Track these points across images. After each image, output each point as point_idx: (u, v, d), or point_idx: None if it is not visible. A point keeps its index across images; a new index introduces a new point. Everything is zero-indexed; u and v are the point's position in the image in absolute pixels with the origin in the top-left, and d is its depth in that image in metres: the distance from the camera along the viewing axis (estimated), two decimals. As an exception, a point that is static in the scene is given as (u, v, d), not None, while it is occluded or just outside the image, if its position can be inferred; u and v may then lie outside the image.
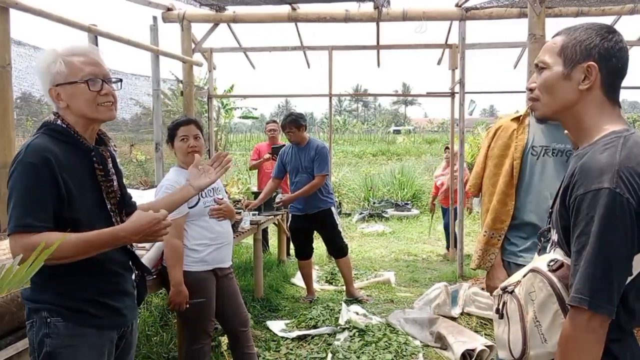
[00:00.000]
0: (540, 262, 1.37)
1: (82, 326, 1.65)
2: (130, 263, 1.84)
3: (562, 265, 1.31)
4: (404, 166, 13.17)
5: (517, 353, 1.39)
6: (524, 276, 1.41)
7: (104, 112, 1.70)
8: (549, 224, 1.50)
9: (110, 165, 1.75)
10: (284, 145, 6.12)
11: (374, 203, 10.80)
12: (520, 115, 2.39)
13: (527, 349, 1.35)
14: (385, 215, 10.17)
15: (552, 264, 1.32)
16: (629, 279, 1.21)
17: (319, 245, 7.67)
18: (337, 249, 5.03)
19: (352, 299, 4.95)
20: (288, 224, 5.08)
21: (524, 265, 2.26)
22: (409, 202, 10.88)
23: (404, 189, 11.45)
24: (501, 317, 1.48)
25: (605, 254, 1.17)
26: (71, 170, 1.61)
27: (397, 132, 41.68)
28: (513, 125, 2.39)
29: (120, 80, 1.78)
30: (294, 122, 4.89)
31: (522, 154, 2.31)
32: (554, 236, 1.39)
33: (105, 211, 1.73)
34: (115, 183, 1.76)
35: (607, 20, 5.91)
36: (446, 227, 7.00)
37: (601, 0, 4.75)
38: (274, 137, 6.43)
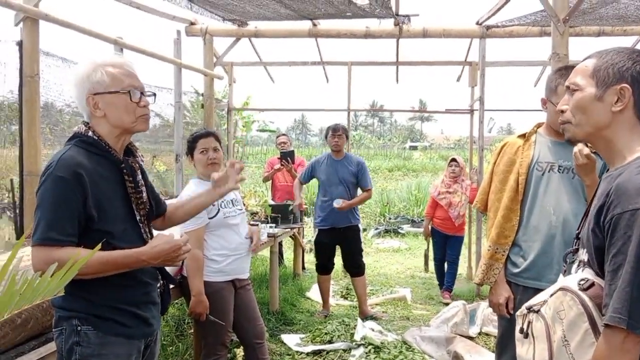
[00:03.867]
0: (569, 281, 1.36)
1: (112, 335, 1.67)
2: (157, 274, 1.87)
3: (592, 284, 1.30)
4: (420, 182, 13.12)
5: (542, 373, 1.37)
6: (551, 295, 1.40)
7: (141, 124, 1.74)
8: (576, 245, 1.49)
9: (140, 176, 1.79)
10: (292, 151, 6.17)
11: (390, 219, 10.76)
12: (527, 133, 2.42)
13: (553, 368, 1.34)
14: (401, 232, 10.12)
15: (582, 282, 1.31)
16: None
17: (336, 260, 7.68)
18: (357, 266, 4.99)
19: (367, 317, 4.91)
20: (313, 238, 5.02)
21: (525, 287, 2.29)
22: (424, 218, 10.80)
23: (420, 205, 11.40)
24: (526, 336, 1.47)
25: None
26: (102, 183, 1.64)
27: (414, 147, 41.60)
28: (519, 142, 2.42)
29: (155, 95, 1.83)
30: (346, 131, 4.98)
31: (528, 169, 2.33)
32: (583, 256, 1.38)
33: (135, 222, 1.76)
34: (144, 194, 1.79)
35: (629, 40, 5.88)
36: (440, 262, 5.85)
37: (624, 21, 4.72)
38: (284, 149, 6.45)
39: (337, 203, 4.70)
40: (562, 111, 1.46)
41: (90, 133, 1.69)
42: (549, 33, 5.27)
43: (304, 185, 5.78)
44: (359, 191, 4.98)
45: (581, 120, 1.39)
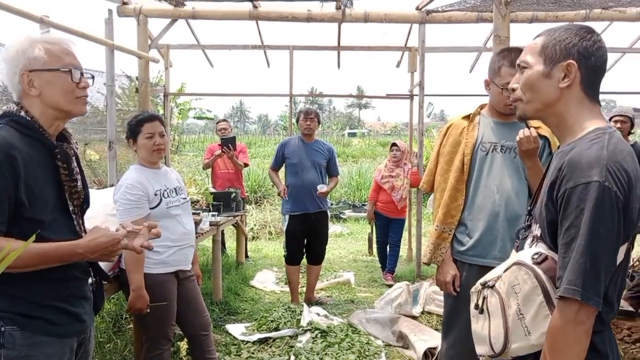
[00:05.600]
0: (523, 256, 1.38)
1: (41, 334, 1.53)
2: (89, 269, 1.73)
3: (546, 258, 1.32)
4: (360, 168, 13.28)
5: (498, 347, 1.39)
6: (505, 270, 1.41)
7: (79, 106, 1.62)
8: (528, 221, 1.52)
9: (74, 164, 1.65)
10: (233, 138, 6.00)
11: (332, 204, 10.82)
12: (471, 114, 2.47)
13: (508, 342, 1.36)
14: (343, 217, 10.20)
15: (536, 257, 1.34)
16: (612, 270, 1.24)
17: (277, 247, 7.63)
18: (320, 255, 4.91)
19: (313, 303, 4.90)
20: (285, 227, 4.82)
21: (470, 264, 2.35)
22: (366, 203, 10.96)
23: (360, 189, 11.55)
24: (481, 312, 1.48)
25: (595, 246, 1.19)
26: (33, 168, 1.50)
27: (353, 134, 42.08)
28: (463, 123, 2.47)
29: (93, 77, 1.69)
30: (318, 115, 4.87)
31: (472, 150, 2.39)
32: (536, 231, 1.40)
33: (67, 212, 1.63)
34: (79, 183, 1.65)
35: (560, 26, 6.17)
36: (383, 245, 5.94)
37: (559, 5, 4.92)
38: (225, 135, 6.28)
39: (322, 188, 4.59)
40: (514, 89, 1.47)
41: (22, 113, 1.53)
42: (486, 19, 5.46)
43: (244, 171, 5.63)
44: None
45: (531, 97, 1.41)
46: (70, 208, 1.63)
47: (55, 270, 1.52)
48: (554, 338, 1.23)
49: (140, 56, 5.53)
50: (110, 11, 4.95)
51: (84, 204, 1.71)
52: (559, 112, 1.37)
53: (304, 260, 4.93)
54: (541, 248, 1.37)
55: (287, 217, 4.77)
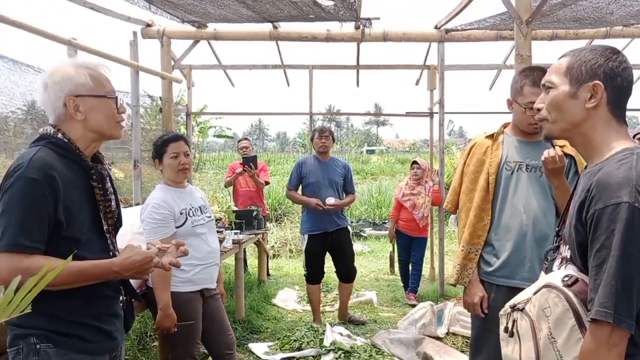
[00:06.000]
0: (553, 278, 1.36)
1: (74, 352, 1.56)
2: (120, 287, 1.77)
3: (577, 280, 1.31)
4: (380, 185, 13.26)
5: (530, 371, 1.37)
6: (535, 293, 1.40)
7: (118, 130, 1.70)
8: (557, 242, 1.50)
9: (109, 184, 1.70)
10: (255, 157, 6.05)
11: (352, 222, 10.80)
12: (494, 133, 2.47)
13: (540, 366, 1.34)
14: (364, 235, 10.16)
15: (566, 279, 1.32)
16: None
17: (297, 265, 7.63)
18: (350, 271, 4.87)
19: (344, 322, 4.87)
20: (304, 247, 4.81)
21: (498, 285, 2.32)
22: (386, 220, 10.91)
23: (381, 207, 11.50)
24: (511, 335, 1.47)
25: (627, 268, 1.18)
26: (71, 189, 1.55)
27: (371, 152, 42.13)
28: (487, 143, 2.46)
29: (129, 105, 1.79)
30: (332, 133, 4.87)
31: (497, 169, 2.37)
32: (566, 253, 1.39)
33: (101, 232, 1.67)
34: (113, 203, 1.70)
35: (581, 43, 6.14)
36: (405, 264, 5.85)
37: (580, 23, 4.91)
38: (246, 154, 6.34)
39: (330, 200, 4.58)
40: (539, 109, 1.48)
41: (60, 135, 1.59)
42: (505, 37, 5.47)
43: (265, 189, 5.67)
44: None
45: (557, 117, 1.41)
46: (105, 227, 1.68)
47: (88, 288, 1.55)
48: None
49: (164, 77, 5.65)
50: (134, 33, 5.09)
51: (117, 223, 1.76)
52: (586, 133, 1.37)
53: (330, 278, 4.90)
54: (571, 270, 1.35)
55: (306, 236, 4.77)
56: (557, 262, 1.46)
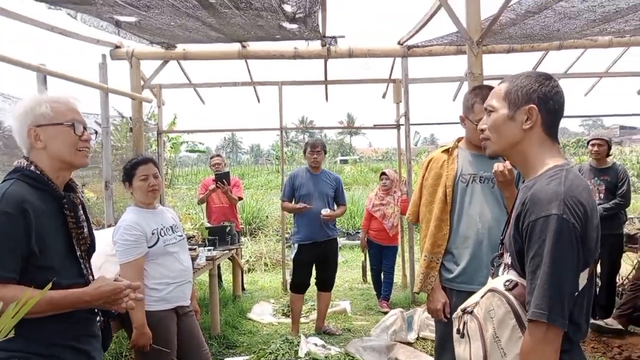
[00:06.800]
0: (497, 283, 1.50)
1: None
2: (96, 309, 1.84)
3: (516, 284, 1.45)
4: (353, 195, 13.40)
5: (479, 369, 1.50)
6: (482, 297, 1.54)
7: (81, 158, 1.76)
8: (501, 249, 1.65)
9: (81, 212, 1.78)
10: (227, 173, 6.14)
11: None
12: (449, 148, 2.62)
13: (488, 364, 1.47)
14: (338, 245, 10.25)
15: (507, 283, 1.46)
16: (575, 294, 1.36)
17: (273, 278, 7.69)
18: (330, 281, 5.02)
19: (319, 332, 4.97)
20: (292, 255, 4.92)
21: (458, 290, 2.47)
22: (359, 230, 11.04)
23: (354, 217, 11.63)
24: (462, 336, 1.60)
25: (557, 273, 1.31)
26: (43, 218, 1.62)
27: (344, 161, 42.39)
28: (443, 157, 2.62)
29: (96, 132, 1.84)
30: (324, 147, 4.99)
31: (453, 182, 2.53)
32: (507, 259, 1.53)
33: (75, 257, 1.75)
34: (85, 230, 1.78)
35: (536, 55, 6.43)
36: (377, 272, 6.00)
37: (530, 39, 5.17)
38: (219, 170, 6.41)
39: (325, 211, 4.73)
40: (482, 130, 1.63)
41: (32, 167, 1.68)
42: (464, 51, 5.69)
43: (239, 204, 5.73)
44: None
45: (497, 138, 1.56)
46: (78, 253, 1.76)
47: (65, 312, 1.63)
48: (526, 357, 1.35)
49: (134, 97, 5.70)
50: (103, 56, 5.15)
51: (90, 248, 1.84)
52: (523, 151, 1.52)
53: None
54: (512, 275, 1.49)
55: (296, 245, 4.89)
56: (501, 268, 1.60)
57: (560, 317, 1.31)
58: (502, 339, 1.43)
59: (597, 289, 5.02)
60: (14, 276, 1.54)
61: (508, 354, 1.42)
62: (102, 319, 1.87)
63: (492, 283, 1.55)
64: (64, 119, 1.72)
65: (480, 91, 2.46)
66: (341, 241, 10.43)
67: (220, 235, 5.45)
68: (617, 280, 5.20)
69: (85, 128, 1.76)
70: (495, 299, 1.47)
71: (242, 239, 8.53)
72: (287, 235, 7.26)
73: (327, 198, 4.86)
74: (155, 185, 2.87)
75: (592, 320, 4.53)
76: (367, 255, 6.14)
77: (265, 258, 8.85)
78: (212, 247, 4.98)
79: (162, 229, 2.87)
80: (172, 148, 16.20)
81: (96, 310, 1.83)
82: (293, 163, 29.47)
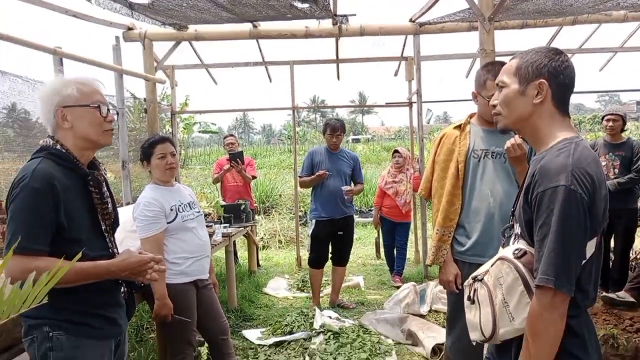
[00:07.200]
0: (506, 252, 1.56)
1: (84, 338, 1.75)
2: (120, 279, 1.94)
3: (525, 253, 1.50)
4: (365, 174, 13.45)
5: (487, 333, 1.57)
6: (492, 265, 1.60)
7: (106, 137, 1.85)
8: (511, 220, 1.71)
9: (105, 188, 1.86)
10: (241, 152, 6.22)
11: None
12: (462, 124, 2.66)
13: (497, 328, 1.54)
14: (351, 223, 10.35)
15: (517, 252, 1.52)
16: (582, 262, 1.42)
17: (287, 255, 7.82)
18: (346, 256, 5.15)
19: (333, 306, 5.09)
20: (310, 231, 5.03)
21: (470, 263, 2.53)
22: (372, 208, 11.11)
23: (367, 195, 11.70)
24: (472, 303, 1.66)
25: (564, 241, 1.36)
26: (70, 195, 1.71)
27: (357, 140, 42.28)
28: (455, 133, 2.66)
29: (118, 113, 1.92)
30: (344, 129, 5.05)
31: (465, 157, 2.57)
32: (517, 229, 1.59)
33: (100, 232, 1.84)
34: (109, 205, 1.87)
35: (550, 30, 6.36)
36: (390, 248, 6.11)
37: (543, 14, 5.12)
38: (232, 150, 6.49)
39: (345, 187, 4.83)
40: (494, 105, 1.67)
41: (58, 146, 1.76)
42: (477, 28, 5.65)
43: (252, 183, 5.81)
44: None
45: (508, 113, 1.60)
46: (103, 227, 1.86)
47: (92, 282, 1.73)
48: (533, 322, 1.41)
49: (148, 78, 5.77)
50: (117, 38, 5.20)
51: (114, 223, 1.94)
52: (533, 125, 1.56)
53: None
54: (521, 244, 1.55)
55: (313, 221, 4.99)
56: (512, 239, 1.66)
57: (567, 284, 1.36)
58: (511, 304, 1.49)
59: (611, 263, 5.06)
60: (46, 248, 1.64)
61: (516, 318, 1.48)
62: (126, 289, 1.97)
63: (502, 252, 1.61)
64: (90, 100, 1.79)
65: (493, 67, 2.48)
66: (354, 219, 10.53)
67: (235, 213, 5.56)
68: (631, 255, 5.22)
69: (109, 109, 1.84)
70: (504, 266, 1.53)
71: (256, 217, 8.67)
72: (300, 214, 7.36)
73: (345, 176, 4.93)
74: (172, 163, 2.95)
75: (604, 293, 4.59)
76: (380, 232, 6.21)
77: (279, 235, 8.98)
78: (227, 225, 5.09)
79: (180, 206, 2.97)
80: (184, 129, 16.34)
81: (120, 282, 1.94)
82: (305, 142, 29.49)
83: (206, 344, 3.51)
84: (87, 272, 1.68)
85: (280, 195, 11.83)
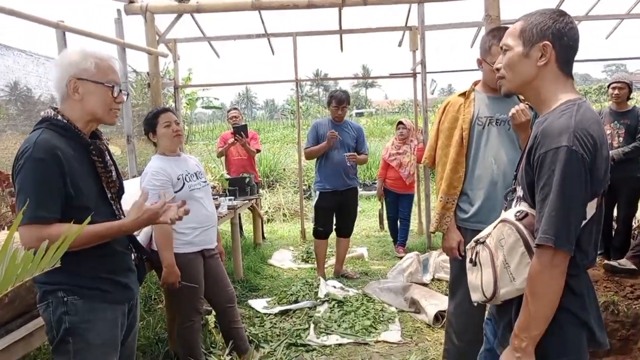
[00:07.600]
0: (508, 214, 1.59)
1: (97, 302, 1.80)
2: (130, 246, 2.00)
3: (527, 215, 1.52)
4: (369, 147, 13.45)
5: (489, 293, 1.60)
6: (494, 228, 1.62)
7: (112, 117, 1.87)
8: (514, 184, 1.72)
9: (108, 157, 1.90)
10: (245, 126, 6.23)
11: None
12: (466, 91, 2.65)
13: (497, 288, 1.57)
14: (354, 196, 10.41)
15: (518, 214, 1.54)
16: (583, 222, 1.43)
17: (291, 227, 7.90)
18: (350, 228, 5.19)
19: (338, 276, 5.17)
20: (314, 202, 5.09)
21: (473, 230, 2.56)
22: (376, 181, 11.15)
23: (370, 168, 11.73)
24: (474, 265, 1.70)
25: (565, 201, 1.38)
26: (74, 164, 1.74)
27: (360, 114, 42.07)
28: (460, 100, 2.66)
29: (128, 95, 1.93)
30: (349, 100, 5.04)
31: (470, 125, 2.57)
32: (519, 192, 1.61)
33: (106, 199, 1.88)
34: (113, 173, 1.91)
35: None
36: (394, 220, 6.20)
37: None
38: (236, 123, 6.51)
39: (348, 153, 4.85)
40: (498, 69, 1.67)
41: (59, 117, 1.78)
42: (482, -5, 5.57)
43: (256, 157, 5.84)
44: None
45: (512, 76, 1.60)
46: (109, 195, 1.89)
47: (103, 247, 1.77)
48: (534, 280, 1.44)
49: (150, 52, 5.74)
50: (118, 11, 5.16)
51: (120, 191, 1.97)
52: (537, 88, 1.56)
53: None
54: (523, 207, 1.56)
55: (317, 193, 5.03)
56: (514, 201, 1.68)
57: (567, 243, 1.38)
58: (512, 265, 1.52)
59: (613, 232, 5.09)
60: (56, 216, 1.68)
61: (517, 278, 1.51)
62: (136, 255, 2.02)
63: (504, 214, 1.63)
64: (105, 78, 1.80)
65: (498, 33, 2.45)
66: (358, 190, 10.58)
67: (240, 186, 5.60)
68: (634, 223, 5.24)
69: (120, 90, 1.85)
70: (506, 228, 1.55)
71: (261, 191, 8.72)
72: (304, 187, 7.40)
73: (348, 147, 4.94)
74: (178, 130, 2.99)
75: (605, 261, 4.64)
76: (384, 203, 6.26)
77: (283, 209, 9.05)
78: (232, 197, 5.13)
79: (186, 175, 3.00)
80: (187, 104, 16.27)
81: (130, 247, 1.99)
82: (308, 117, 29.35)
83: (213, 312, 3.58)
84: (99, 234, 1.73)
85: (284, 170, 11.87)
